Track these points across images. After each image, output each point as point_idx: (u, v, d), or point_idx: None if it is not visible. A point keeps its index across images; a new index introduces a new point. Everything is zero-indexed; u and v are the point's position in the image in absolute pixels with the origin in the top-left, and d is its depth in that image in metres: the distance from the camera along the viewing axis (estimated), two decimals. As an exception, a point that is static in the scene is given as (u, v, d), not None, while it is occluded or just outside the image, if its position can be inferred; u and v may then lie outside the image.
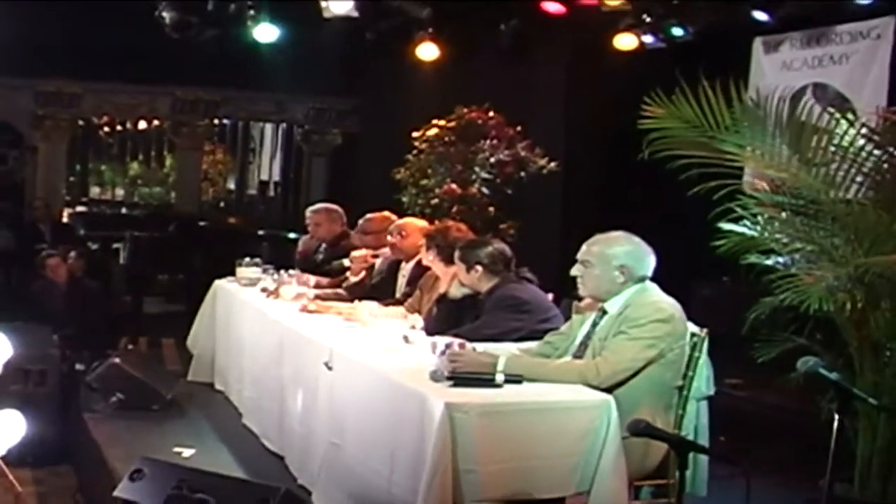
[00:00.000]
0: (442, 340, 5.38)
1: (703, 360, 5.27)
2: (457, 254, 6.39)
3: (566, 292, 6.30)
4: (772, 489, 6.52)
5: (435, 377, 4.94)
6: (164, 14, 10.82)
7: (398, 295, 7.69)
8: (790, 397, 7.52)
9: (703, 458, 5.19)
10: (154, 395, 8.14)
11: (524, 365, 5.16)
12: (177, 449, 6.96)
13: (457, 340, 5.40)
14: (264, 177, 21.00)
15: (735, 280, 7.87)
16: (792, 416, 7.98)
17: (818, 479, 4.71)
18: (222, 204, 20.31)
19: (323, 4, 10.02)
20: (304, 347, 6.46)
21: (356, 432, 5.48)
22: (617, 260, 5.21)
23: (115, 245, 14.17)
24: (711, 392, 5.40)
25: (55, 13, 13.37)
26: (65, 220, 16.38)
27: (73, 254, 11.29)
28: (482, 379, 4.90)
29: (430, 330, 6.21)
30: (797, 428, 7.60)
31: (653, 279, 5.28)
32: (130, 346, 10.32)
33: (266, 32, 11.08)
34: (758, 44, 10.01)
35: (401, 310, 7.04)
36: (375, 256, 8.37)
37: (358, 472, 5.38)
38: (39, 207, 14.18)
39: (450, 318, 6.29)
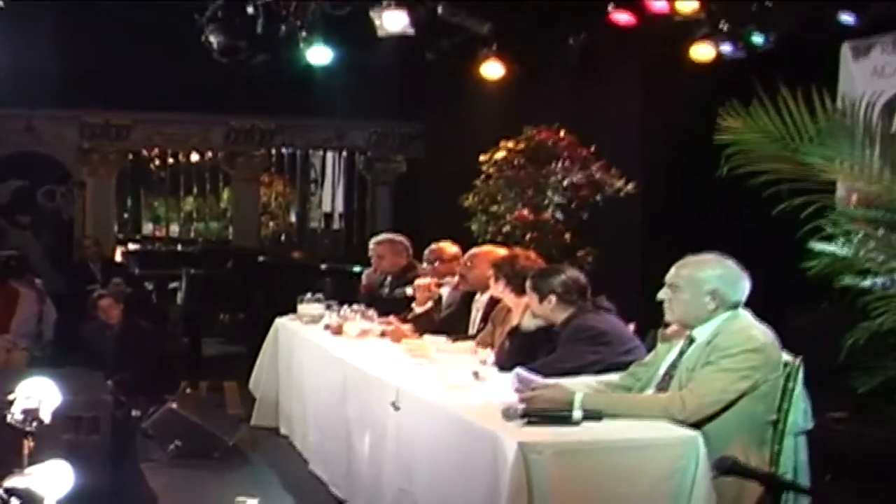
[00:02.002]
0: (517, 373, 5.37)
1: (799, 391, 5.19)
2: (528, 283, 6.39)
3: (650, 322, 6.25)
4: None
5: (508, 415, 4.92)
6: (211, 38, 10.84)
7: (471, 330, 7.70)
8: (898, 431, 7.38)
9: (804, 498, 5.10)
10: (214, 441, 8.21)
11: (604, 400, 5.14)
12: (240, 498, 6.94)
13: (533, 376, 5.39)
14: (327, 208, 21.04)
15: (834, 306, 7.75)
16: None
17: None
18: (283, 238, 20.41)
19: (376, 22, 10.03)
20: (369, 387, 6.49)
21: (426, 476, 5.49)
22: (708, 284, 5.17)
23: (173, 284, 14.26)
24: (809, 426, 5.31)
25: (99, 41, 13.55)
26: (118, 258, 16.52)
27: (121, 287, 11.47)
28: (558, 416, 4.88)
29: (503, 365, 6.21)
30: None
31: (745, 306, 5.23)
32: (189, 391, 10.37)
33: (320, 55, 11.10)
34: (846, 49, 9.87)
35: (470, 344, 7.05)
36: (440, 285, 8.39)
37: (429, 518, 5.38)
38: (90, 246, 14.23)
39: (523, 351, 6.26)
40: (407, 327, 7.95)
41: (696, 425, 4.89)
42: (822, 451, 5.42)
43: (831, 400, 6.58)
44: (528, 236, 10.30)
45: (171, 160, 19.69)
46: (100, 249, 14.36)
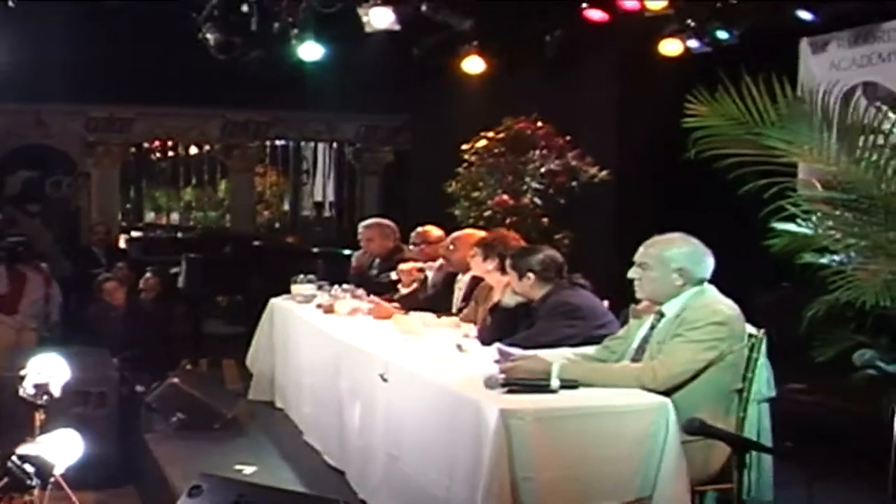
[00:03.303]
0: (498, 346, 5.39)
1: (762, 361, 5.22)
2: (508, 262, 6.41)
3: (623, 301, 6.26)
4: (837, 495, 6.43)
5: (489, 384, 4.92)
6: (208, 35, 10.86)
7: (454, 309, 7.72)
8: (856, 400, 7.39)
9: (768, 460, 5.12)
10: (214, 414, 8.20)
11: (580, 370, 5.15)
12: (238, 467, 7.00)
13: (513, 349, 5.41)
14: (318, 197, 21.03)
15: (796, 285, 7.79)
16: (858, 420, 7.83)
17: (886, 485, 4.61)
18: (278, 225, 20.40)
19: (364, 18, 10.02)
20: (360, 361, 6.47)
21: (413, 443, 5.49)
22: (675, 262, 5.19)
23: (173, 270, 14.24)
24: (772, 394, 5.33)
25: (104, 38, 13.49)
26: (121, 245, 16.51)
27: (148, 275, 11.48)
28: (537, 385, 4.89)
29: (485, 339, 6.22)
30: (864, 432, 7.46)
31: (712, 285, 5.25)
32: (190, 367, 10.38)
33: (311, 51, 11.08)
34: (804, 45, 9.87)
35: (454, 320, 7.05)
36: (422, 269, 8.40)
37: (416, 482, 5.38)
38: (100, 232, 14.25)
39: (504, 326, 6.29)
40: (392, 306, 7.96)
41: (666, 394, 4.90)
42: (783, 419, 5.44)
43: (792, 373, 6.60)
44: (507, 220, 10.28)
45: (171, 152, 19.67)
46: (109, 237, 14.36)
